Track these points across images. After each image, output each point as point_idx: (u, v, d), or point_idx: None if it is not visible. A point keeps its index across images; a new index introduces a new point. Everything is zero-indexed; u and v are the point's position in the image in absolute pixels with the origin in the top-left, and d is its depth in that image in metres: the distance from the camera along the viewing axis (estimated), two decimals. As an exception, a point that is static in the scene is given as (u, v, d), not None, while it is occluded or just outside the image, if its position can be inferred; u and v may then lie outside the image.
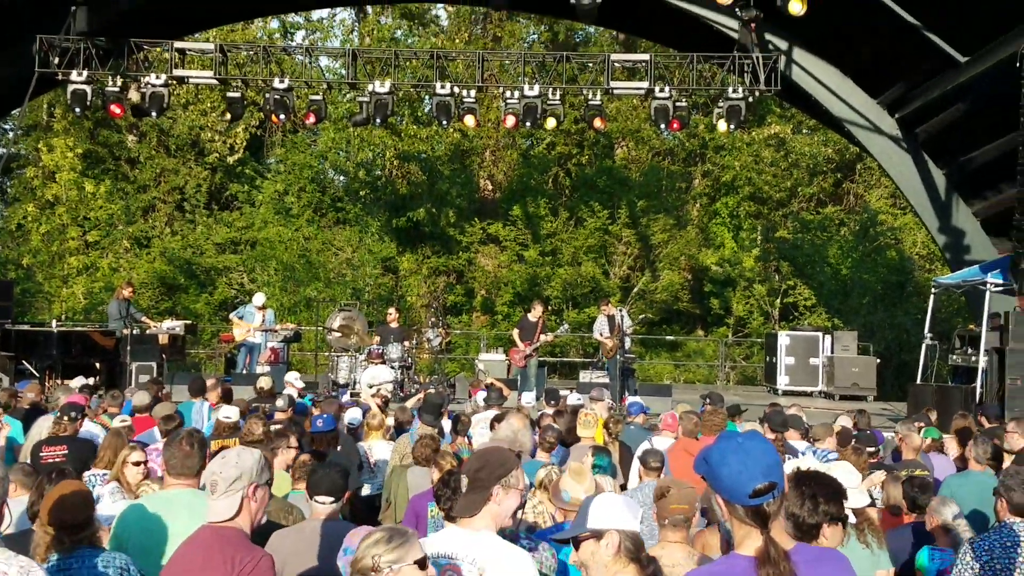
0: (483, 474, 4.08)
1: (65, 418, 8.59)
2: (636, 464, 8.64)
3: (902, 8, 16.66)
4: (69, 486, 4.75)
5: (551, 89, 19.71)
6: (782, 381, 21.34)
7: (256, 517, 4.27)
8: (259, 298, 19.89)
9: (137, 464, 6.91)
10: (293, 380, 14.21)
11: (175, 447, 5.23)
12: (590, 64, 21.04)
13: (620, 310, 18.98)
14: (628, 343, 18.62)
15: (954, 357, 17.02)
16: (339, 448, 9.11)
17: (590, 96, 20.23)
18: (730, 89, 19.25)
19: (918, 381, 17.71)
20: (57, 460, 7.74)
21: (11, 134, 34.83)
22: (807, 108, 23.19)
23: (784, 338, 21.75)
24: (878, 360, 21.62)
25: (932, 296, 18.22)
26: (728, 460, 3.16)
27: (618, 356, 18.08)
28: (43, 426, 8.98)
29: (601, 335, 18.63)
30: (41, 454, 8.02)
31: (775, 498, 3.13)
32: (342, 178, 36.16)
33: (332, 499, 5.73)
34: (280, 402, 11.34)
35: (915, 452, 9.59)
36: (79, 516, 4.62)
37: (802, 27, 17.99)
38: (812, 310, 31.52)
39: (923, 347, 17.82)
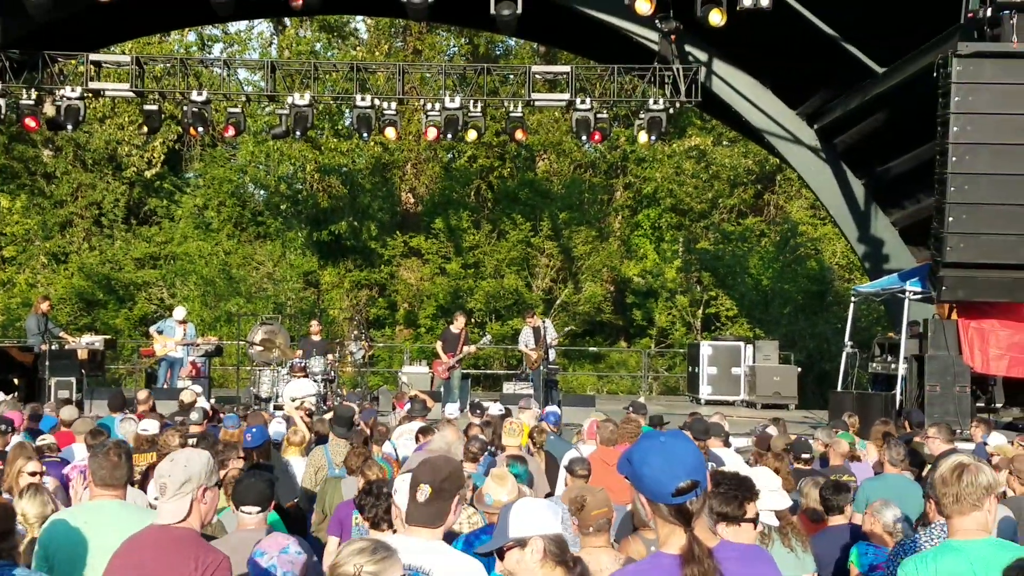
0: (447, 484, 4.07)
1: None
2: (563, 472, 8.67)
3: (820, 20, 17.04)
4: None
5: (472, 101, 19.76)
6: (705, 391, 21.58)
7: (206, 519, 4.29)
8: (179, 312, 19.61)
9: (32, 475, 6.74)
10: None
11: (102, 457, 5.16)
12: (511, 76, 21.19)
13: (544, 322, 19.03)
14: (552, 355, 18.68)
15: (874, 365, 17.36)
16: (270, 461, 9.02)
17: (511, 108, 20.36)
18: (651, 101, 19.48)
19: (838, 389, 18.04)
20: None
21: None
22: (727, 119, 23.60)
23: (706, 348, 22.01)
24: (799, 369, 21.98)
25: (852, 305, 18.60)
26: (650, 460, 3.16)
27: (542, 367, 18.13)
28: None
29: (526, 347, 18.66)
30: None
31: (698, 496, 3.15)
32: (262, 192, 35.78)
33: (258, 508, 5.64)
34: (194, 415, 11.16)
35: (842, 458, 9.78)
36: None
37: (722, 39, 18.30)
38: (734, 320, 31.96)
39: (843, 355, 18.17)
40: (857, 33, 17.51)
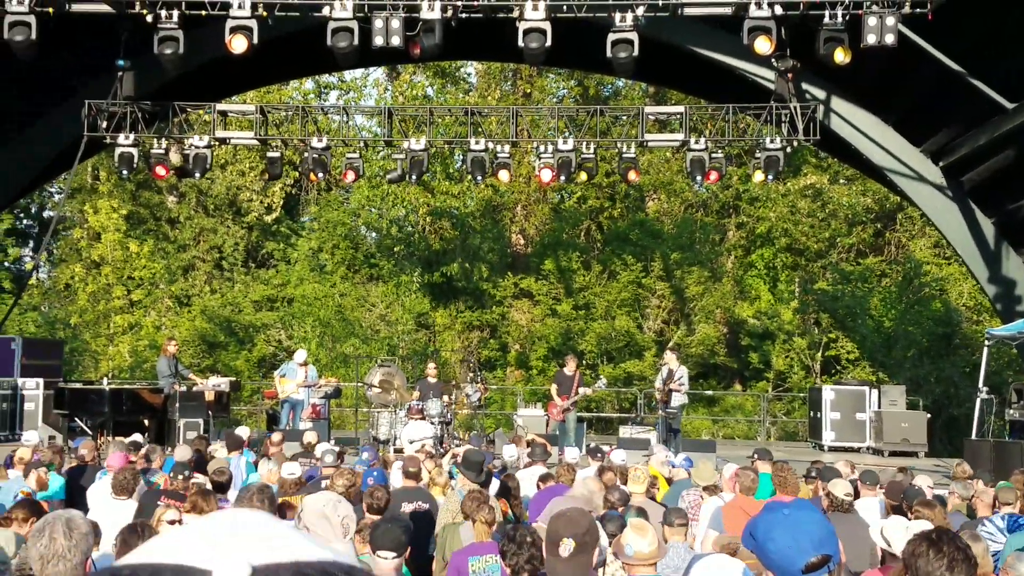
0: (588, 538, 3.99)
1: (180, 476, 8.72)
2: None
3: (945, 55, 16.61)
4: None
5: (584, 143, 19.78)
6: (828, 437, 20.93)
7: None
8: (300, 355, 19.85)
9: (172, 523, 6.84)
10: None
11: (245, 502, 5.21)
12: (623, 117, 21.11)
13: (676, 365, 18.76)
14: (675, 399, 18.39)
15: (1011, 411, 16.65)
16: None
17: (624, 149, 20.28)
18: (767, 139, 19.21)
19: (973, 436, 17.33)
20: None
21: (57, 197, 35.46)
22: (847, 158, 23.12)
23: (829, 392, 21.39)
24: (928, 415, 21.20)
25: (985, 348, 17.90)
26: (775, 535, 2.97)
27: (660, 411, 17.93)
28: (102, 486, 8.96)
29: (658, 387, 18.52)
30: (159, 504, 7.93)
31: (831, 571, 2.95)
32: (374, 235, 36.40)
33: (395, 554, 5.62)
34: (328, 458, 11.26)
35: (989, 508, 9.34)
36: None
37: (841, 76, 17.97)
38: (855, 364, 31.08)
39: (977, 401, 17.46)
40: (984, 68, 17.00)
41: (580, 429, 18.88)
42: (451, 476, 10.44)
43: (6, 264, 36.05)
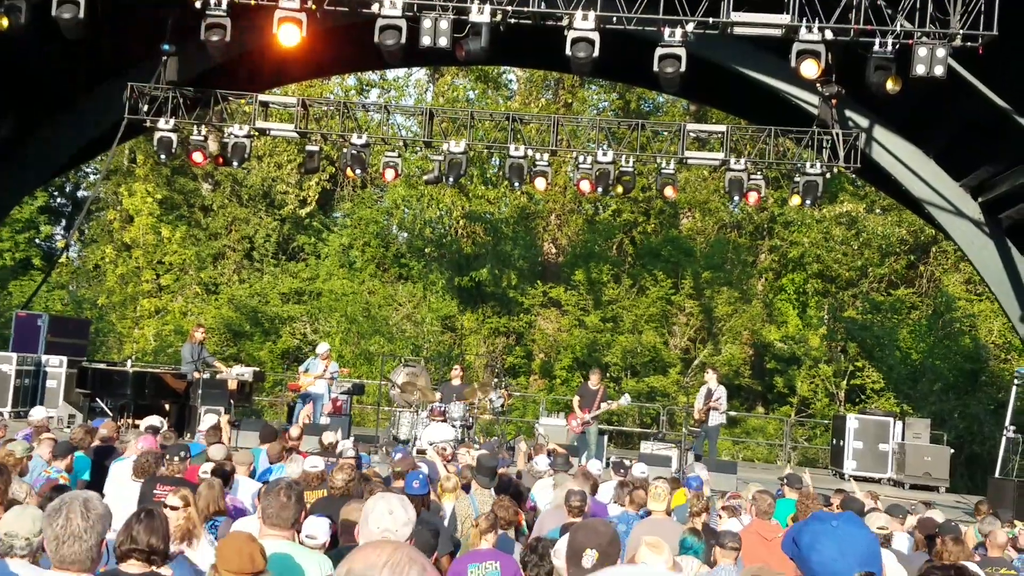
0: (611, 548, 3.95)
1: (176, 458, 8.68)
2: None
3: (993, 92, 16.42)
4: (242, 538, 4.67)
5: (623, 156, 19.69)
6: (849, 465, 20.74)
7: None
8: (322, 347, 19.70)
9: (174, 509, 6.79)
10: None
11: (272, 496, 5.19)
12: (664, 132, 21.02)
13: (719, 386, 18.69)
14: (713, 419, 18.27)
15: (1036, 451, 16.47)
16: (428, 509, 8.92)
17: (664, 165, 20.18)
18: (807, 164, 19.07)
19: (997, 475, 17.11)
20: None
21: (93, 177, 35.77)
22: (885, 187, 22.90)
23: (853, 421, 21.21)
24: (952, 450, 20.98)
25: (1014, 387, 17.69)
26: (820, 545, 2.91)
27: (684, 429, 17.86)
28: (123, 467, 8.98)
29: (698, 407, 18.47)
30: (155, 491, 7.98)
31: None
32: (405, 235, 36.45)
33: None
34: (350, 453, 11.21)
35: (1000, 549, 9.22)
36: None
37: (884, 105, 17.82)
38: (880, 394, 30.80)
39: (1003, 440, 17.26)
40: (1031, 107, 16.79)
41: (601, 442, 18.78)
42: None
43: (38, 241, 36.35)
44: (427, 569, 2.58)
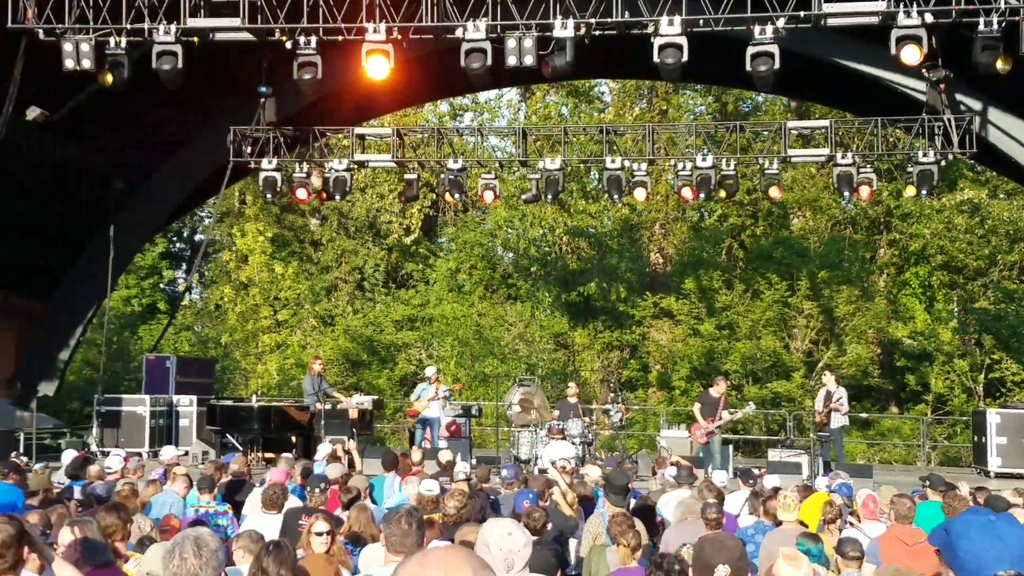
0: (742, 563, 3.80)
1: (316, 490, 8.82)
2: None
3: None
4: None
5: (724, 159, 19.32)
6: (994, 463, 19.73)
7: None
8: (430, 370, 19.79)
9: (320, 535, 6.85)
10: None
11: (394, 524, 5.23)
12: (764, 132, 20.56)
13: (838, 387, 18.20)
14: (835, 420, 17.76)
15: None
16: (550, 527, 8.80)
17: (767, 165, 19.74)
18: (920, 153, 18.41)
19: None
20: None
21: (207, 221, 36.93)
22: (1006, 170, 21.99)
23: (994, 416, 20.18)
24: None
25: None
26: (972, 535, 2.80)
27: (812, 434, 17.37)
28: (256, 499, 9.12)
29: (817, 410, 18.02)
30: (300, 523, 8.09)
31: None
32: (511, 255, 36.56)
33: (545, 578, 5.46)
34: (461, 475, 11.15)
35: None
36: None
37: (997, 86, 17.06)
38: (1022, 386, 29.41)
39: None
40: None
41: (726, 451, 18.37)
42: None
43: (161, 286, 37.64)
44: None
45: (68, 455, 13.85)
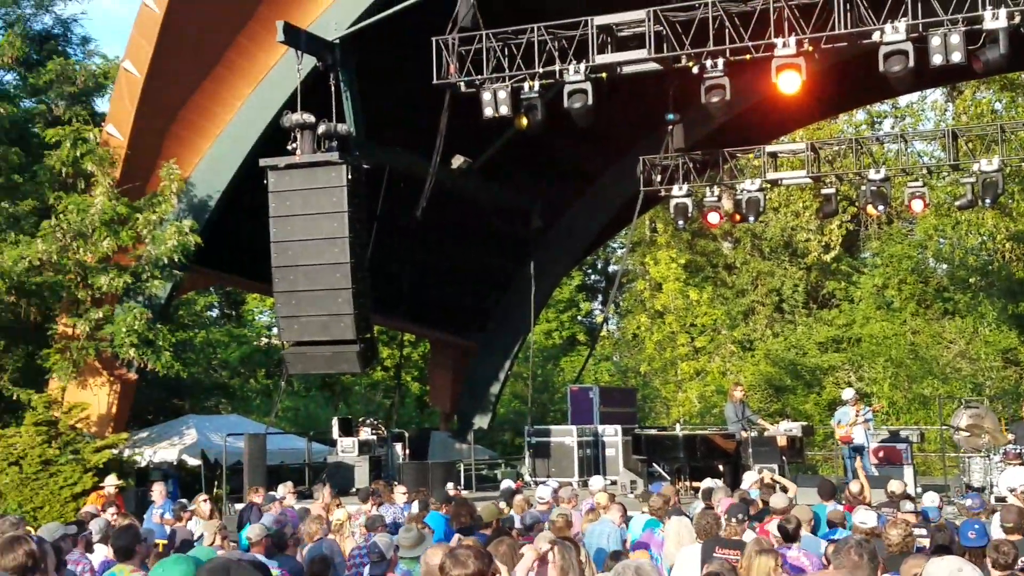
0: None
1: (734, 520, 8.60)
2: None
3: None
4: None
5: None
6: None
7: None
8: (847, 393, 18.80)
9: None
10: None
11: (844, 555, 5.01)
12: None
13: None
14: None
15: None
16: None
17: None
18: None
19: None
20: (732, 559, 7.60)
21: (620, 251, 37.87)
22: None
23: None
24: None
25: None
26: None
27: None
28: (681, 526, 8.94)
29: None
30: (714, 555, 7.84)
31: None
32: (945, 266, 34.06)
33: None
34: (909, 506, 10.19)
35: None
36: None
37: None
38: None
39: None
40: None
41: None
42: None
43: (579, 318, 38.98)
44: None
45: (505, 484, 14.53)
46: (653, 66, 15.03)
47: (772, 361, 32.43)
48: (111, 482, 14.92)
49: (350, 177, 15.20)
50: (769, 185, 20.03)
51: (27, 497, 16.46)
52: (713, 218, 19.86)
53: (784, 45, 14.28)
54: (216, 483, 20.09)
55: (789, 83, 14.50)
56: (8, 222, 18.67)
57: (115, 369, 18.28)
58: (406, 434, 20.46)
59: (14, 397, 18.39)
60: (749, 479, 13.53)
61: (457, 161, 18.55)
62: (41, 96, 23.39)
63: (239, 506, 15.36)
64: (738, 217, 20.09)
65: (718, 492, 11.37)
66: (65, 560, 6.77)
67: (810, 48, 14.38)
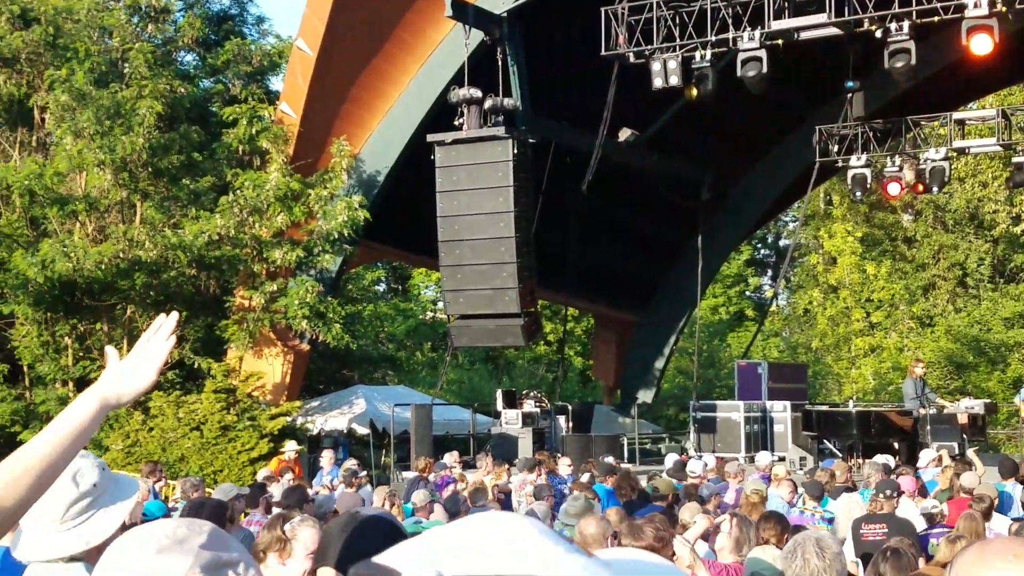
0: None
1: (881, 496, 8.34)
2: None
3: None
4: None
5: None
6: None
7: None
8: None
9: None
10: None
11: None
12: None
13: None
14: None
15: None
16: None
17: None
18: None
19: None
20: (878, 538, 7.38)
21: (792, 225, 36.82)
22: None
23: None
24: None
25: None
26: None
27: None
28: (852, 503, 8.64)
29: None
30: (861, 531, 7.80)
31: None
32: None
33: None
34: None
35: None
36: None
37: None
38: None
39: None
40: None
41: None
42: None
43: (747, 293, 38.14)
44: None
45: (670, 459, 14.41)
46: (833, 31, 14.38)
47: (954, 337, 31.06)
48: (292, 447, 15.49)
49: (516, 152, 15.17)
50: (955, 154, 19.06)
51: (208, 460, 17.17)
52: (893, 189, 18.99)
53: (976, 5, 13.42)
54: (384, 451, 20.53)
55: (980, 46, 13.64)
56: (189, 198, 19.42)
57: (289, 340, 18.87)
58: (569, 407, 20.50)
59: (195, 366, 19.18)
60: (926, 457, 13.11)
61: (624, 134, 18.26)
62: (219, 76, 24.20)
63: (407, 474, 15.70)
64: (920, 188, 19.18)
65: (866, 468, 11.08)
66: (233, 517, 7.34)
67: (1003, 8, 13.47)
